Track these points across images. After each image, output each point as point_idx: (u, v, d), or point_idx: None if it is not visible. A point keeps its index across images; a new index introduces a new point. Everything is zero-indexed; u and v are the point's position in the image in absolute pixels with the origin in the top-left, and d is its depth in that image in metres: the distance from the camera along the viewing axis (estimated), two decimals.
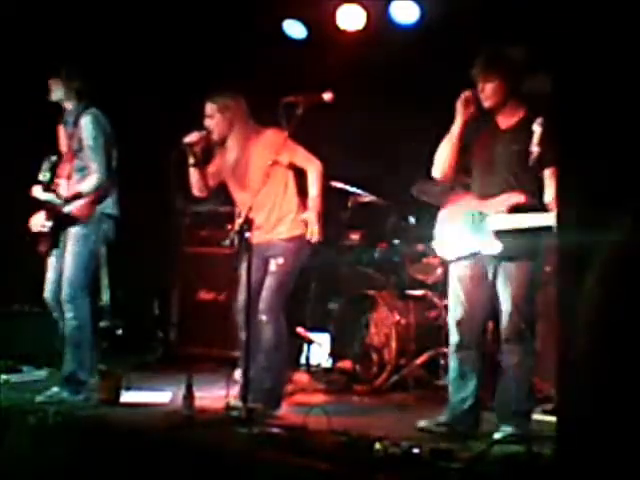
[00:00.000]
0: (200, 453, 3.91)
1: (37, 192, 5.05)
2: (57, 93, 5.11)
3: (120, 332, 6.69)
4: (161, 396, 5.16)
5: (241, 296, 4.82)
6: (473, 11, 5.78)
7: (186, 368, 4.72)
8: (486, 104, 4.24)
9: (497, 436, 4.07)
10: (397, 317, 5.71)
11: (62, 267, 5.01)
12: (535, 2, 4.79)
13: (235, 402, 4.52)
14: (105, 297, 6.71)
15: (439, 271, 5.81)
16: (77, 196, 4.98)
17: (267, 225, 4.81)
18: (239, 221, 4.46)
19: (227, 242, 4.49)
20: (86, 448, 4.23)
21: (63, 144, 5.19)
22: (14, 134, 6.71)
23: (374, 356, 5.71)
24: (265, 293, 4.75)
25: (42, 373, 5.85)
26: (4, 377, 5.55)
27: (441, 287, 5.79)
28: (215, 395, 4.95)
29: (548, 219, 3.87)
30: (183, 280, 6.57)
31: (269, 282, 4.79)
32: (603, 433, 2.74)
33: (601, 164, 2.80)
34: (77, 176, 5.04)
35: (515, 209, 4.10)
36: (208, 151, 5.00)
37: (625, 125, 2.77)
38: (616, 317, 2.75)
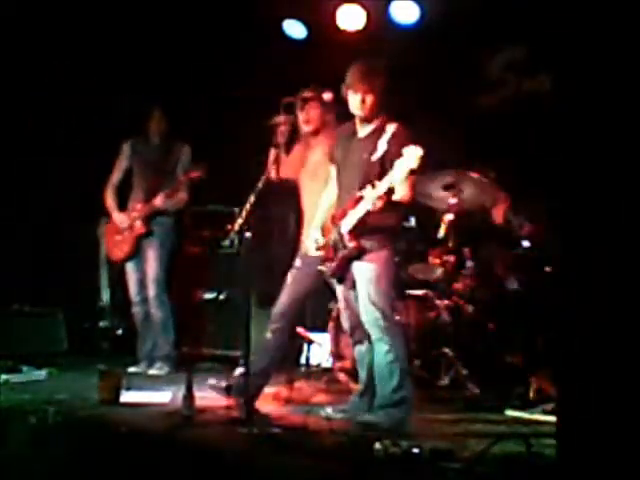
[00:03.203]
0: (200, 453, 3.91)
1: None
2: (159, 118, 6.18)
3: (120, 332, 6.68)
4: (161, 396, 5.15)
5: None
6: (473, 11, 5.78)
7: (186, 368, 4.72)
8: (360, 113, 4.36)
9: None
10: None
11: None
12: (535, 2, 4.79)
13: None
14: (105, 297, 6.71)
15: (439, 271, 5.81)
16: (171, 193, 6.07)
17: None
18: (239, 221, 4.45)
19: (227, 242, 4.49)
20: (86, 448, 4.23)
21: (139, 160, 6.24)
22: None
23: None
24: None
25: (42, 373, 5.84)
26: (4, 377, 5.54)
27: (441, 287, 5.79)
28: (215, 395, 4.95)
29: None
30: (183, 280, 6.56)
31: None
32: (603, 433, 2.74)
33: (602, 163, 2.81)
34: (166, 190, 6.08)
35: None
36: (290, 139, 4.97)
37: (625, 124, 2.77)
38: (615, 318, 2.76)
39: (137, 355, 6.26)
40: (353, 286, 4.42)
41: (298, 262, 4.89)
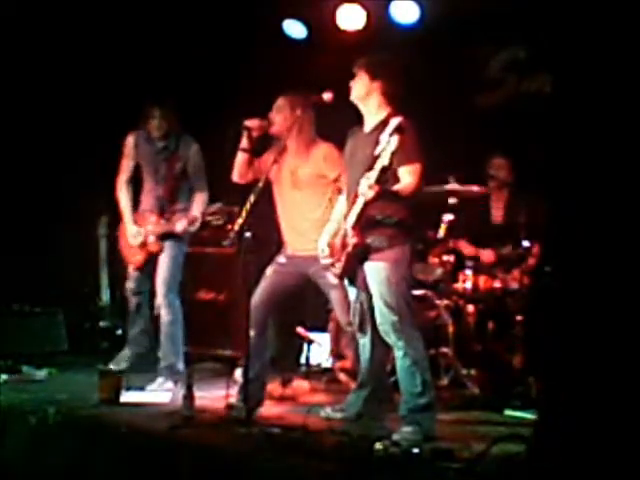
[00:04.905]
0: (200, 453, 3.91)
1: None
2: (159, 119, 5.65)
3: (120, 332, 6.68)
4: (161, 396, 5.16)
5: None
6: (473, 11, 5.79)
7: (186, 368, 4.73)
8: (353, 93, 4.38)
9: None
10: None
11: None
12: (535, 2, 4.79)
13: (235, 402, 4.53)
14: (105, 297, 6.71)
15: (439, 271, 5.81)
16: (193, 220, 5.57)
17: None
18: (239, 221, 4.45)
19: (227, 242, 4.49)
20: (86, 448, 4.23)
21: (146, 161, 5.72)
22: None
23: None
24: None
25: (42, 373, 5.84)
26: (4, 377, 5.55)
27: (441, 287, 5.79)
28: (215, 395, 4.95)
29: None
30: (183, 280, 6.56)
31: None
32: (586, 433, 2.74)
33: (601, 162, 2.81)
34: (182, 197, 5.70)
35: None
36: (262, 142, 4.96)
37: (625, 124, 2.77)
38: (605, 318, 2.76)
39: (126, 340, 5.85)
40: (366, 288, 4.32)
41: (282, 259, 4.91)
